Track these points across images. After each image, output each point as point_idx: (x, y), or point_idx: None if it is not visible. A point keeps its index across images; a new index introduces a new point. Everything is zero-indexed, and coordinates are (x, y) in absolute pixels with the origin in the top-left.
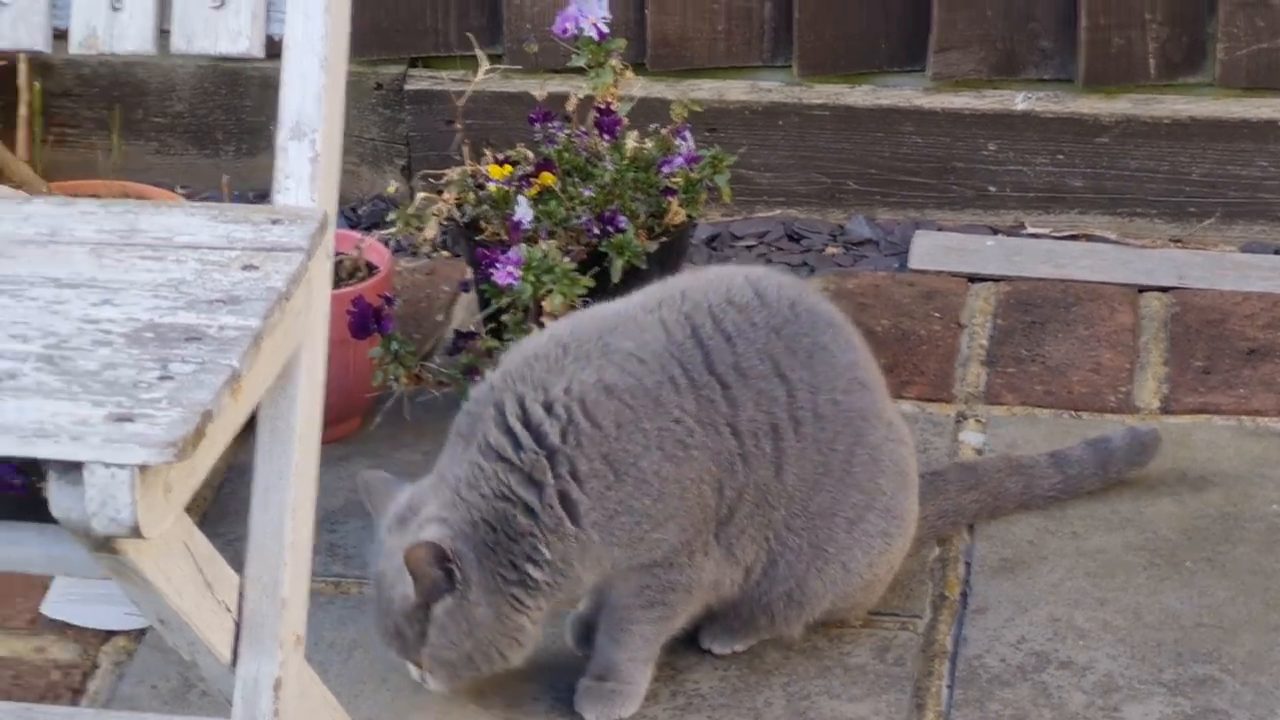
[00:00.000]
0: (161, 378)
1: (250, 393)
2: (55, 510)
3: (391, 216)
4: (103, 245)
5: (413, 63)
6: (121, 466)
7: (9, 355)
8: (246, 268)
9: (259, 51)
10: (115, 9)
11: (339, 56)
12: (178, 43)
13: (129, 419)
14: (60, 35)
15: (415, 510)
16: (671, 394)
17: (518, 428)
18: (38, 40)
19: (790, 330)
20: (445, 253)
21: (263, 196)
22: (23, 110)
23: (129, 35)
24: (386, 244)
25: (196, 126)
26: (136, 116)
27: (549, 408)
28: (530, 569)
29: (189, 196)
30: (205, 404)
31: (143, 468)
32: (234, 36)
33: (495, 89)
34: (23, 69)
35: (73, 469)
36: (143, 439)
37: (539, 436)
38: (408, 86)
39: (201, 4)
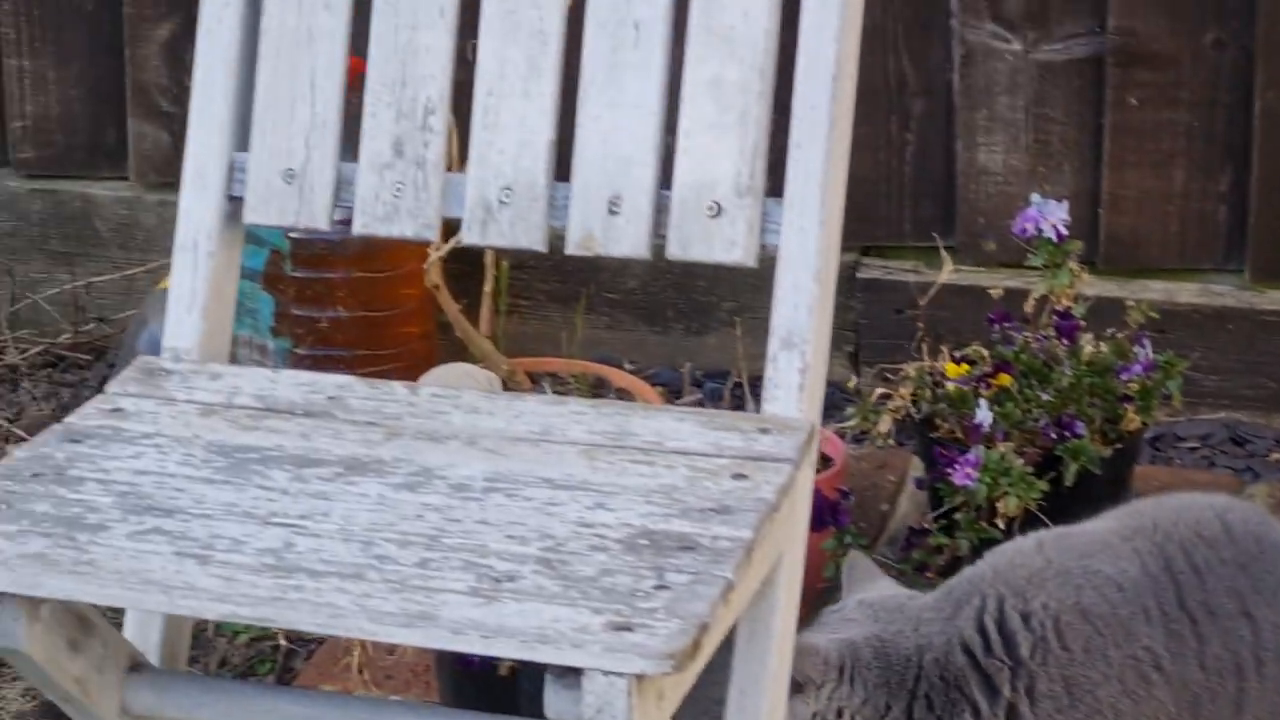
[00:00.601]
0: (658, 587)
1: (738, 602)
2: (550, 711)
3: (850, 411)
4: (594, 447)
5: (864, 251)
6: (620, 675)
7: (508, 556)
8: (736, 476)
9: (752, 262)
10: (613, 213)
11: (830, 269)
12: (673, 249)
13: (628, 628)
14: (556, 235)
15: (882, 615)
16: (1143, 625)
17: (992, 630)
18: (535, 240)
19: (1256, 567)
20: (891, 441)
21: (711, 376)
22: (487, 286)
23: (624, 239)
24: (842, 436)
25: (648, 304)
26: (589, 291)
27: (1026, 619)
28: None
29: (636, 372)
30: (702, 616)
31: (640, 677)
32: (728, 246)
33: (946, 280)
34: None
35: (571, 674)
36: (642, 649)
37: (1010, 646)
38: (859, 274)
39: (699, 212)
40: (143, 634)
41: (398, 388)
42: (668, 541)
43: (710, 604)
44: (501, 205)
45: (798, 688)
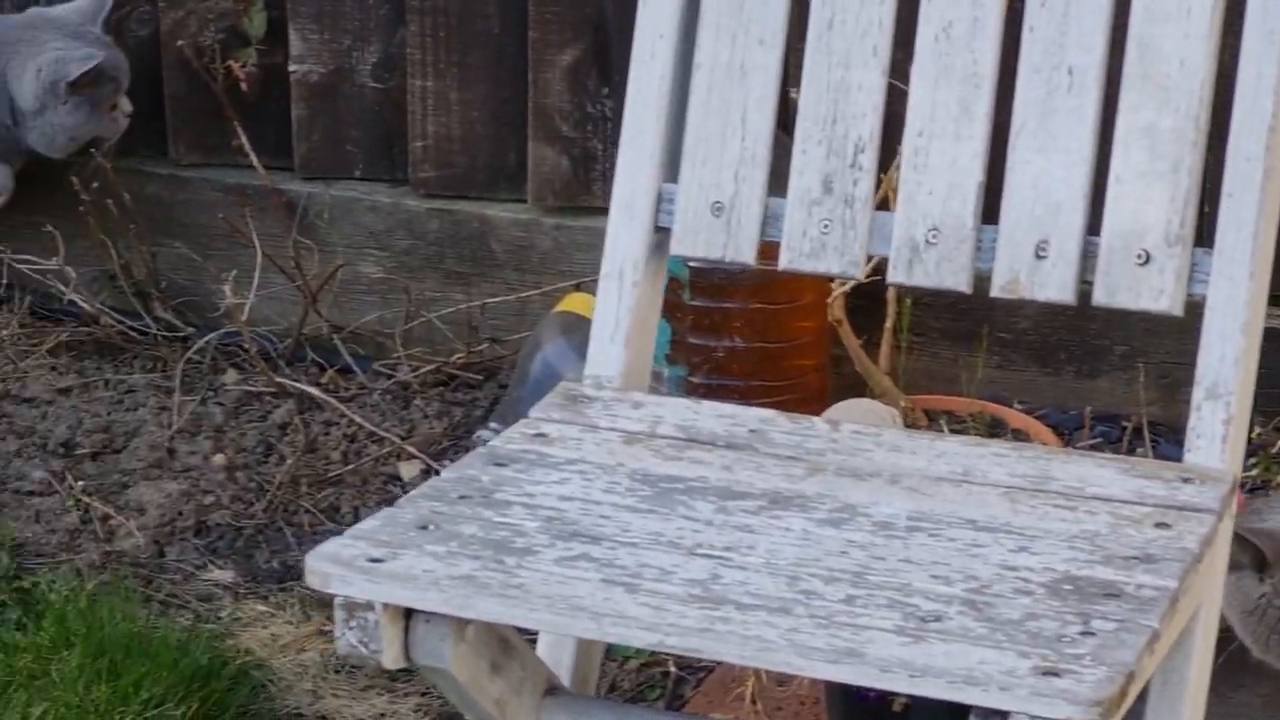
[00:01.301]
0: (1083, 633)
1: (1161, 652)
2: None
3: (1251, 461)
4: (1015, 490)
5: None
6: None
7: (934, 596)
8: (1159, 525)
9: (1179, 311)
10: (1040, 257)
11: (1257, 321)
12: (1099, 295)
13: (1055, 673)
14: (981, 277)
15: None
16: None
17: None
18: (960, 281)
19: None
20: None
21: (1100, 419)
22: (888, 322)
23: (1050, 283)
24: (1241, 486)
25: (1040, 345)
26: (980, 331)
27: None
28: None
29: (1029, 413)
30: (1129, 665)
31: None
32: (1156, 294)
33: None
34: None
35: (996, 716)
36: (1070, 695)
37: None
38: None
39: (1126, 259)
40: (554, 657)
41: (818, 423)
42: (1092, 588)
43: (1137, 653)
44: (928, 245)
45: (1237, 566)
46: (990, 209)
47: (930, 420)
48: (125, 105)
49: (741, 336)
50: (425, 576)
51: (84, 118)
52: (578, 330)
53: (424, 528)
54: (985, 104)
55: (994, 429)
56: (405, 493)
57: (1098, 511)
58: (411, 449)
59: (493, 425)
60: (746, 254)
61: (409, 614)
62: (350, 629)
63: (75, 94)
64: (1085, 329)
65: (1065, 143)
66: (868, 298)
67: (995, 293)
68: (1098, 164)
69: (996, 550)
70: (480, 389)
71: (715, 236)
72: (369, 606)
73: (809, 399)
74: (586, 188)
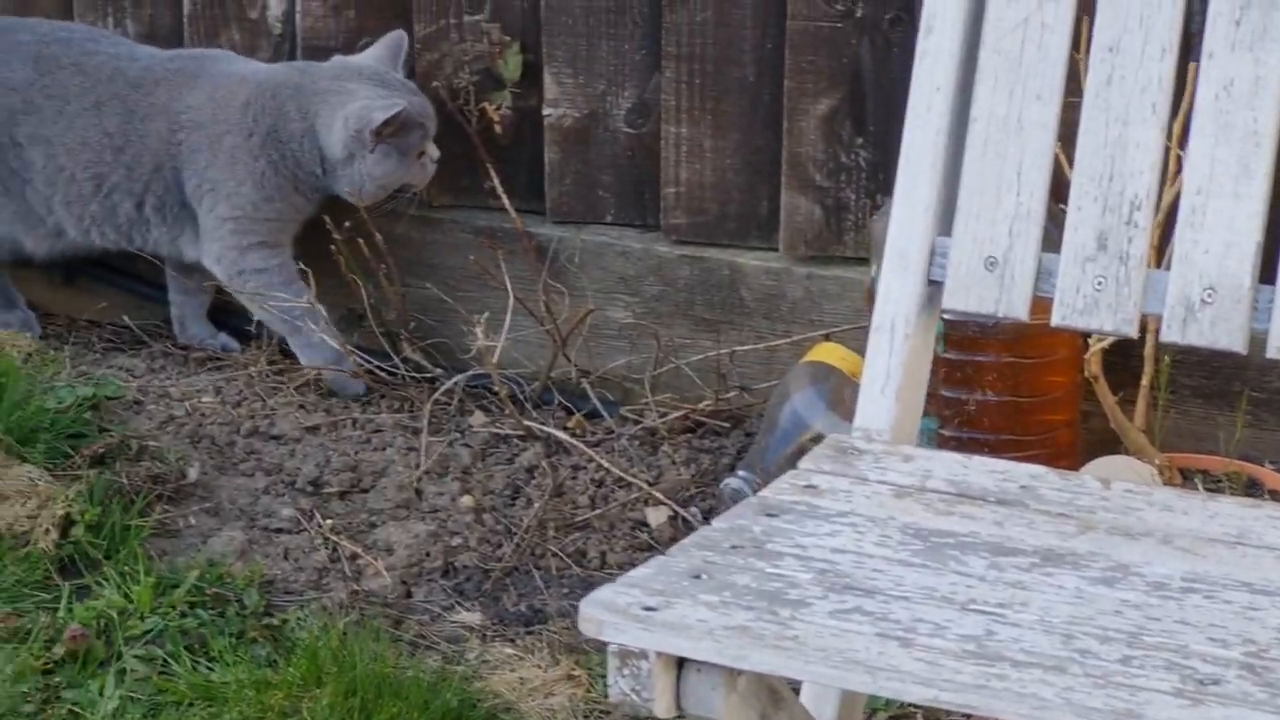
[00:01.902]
0: None
1: None
2: None
3: None
4: None
5: None
6: None
7: (1211, 659)
8: None
9: None
10: None
11: None
12: None
13: None
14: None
15: None
16: None
17: None
18: (1236, 341)
19: None
20: None
21: None
22: (1145, 379)
23: None
24: None
25: None
26: (1232, 388)
27: None
28: None
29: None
30: None
31: None
32: None
33: None
34: (1150, 339)
35: None
36: None
37: None
38: None
39: None
40: (818, 709)
41: (1089, 481)
42: None
43: None
44: (1203, 305)
45: None
46: (1265, 268)
47: (1185, 479)
48: (433, 151)
49: (993, 390)
50: (699, 626)
51: (392, 166)
52: (827, 380)
53: (697, 577)
54: (1265, 163)
55: (1250, 489)
56: (653, 539)
57: None
58: (659, 495)
59: (740, 473)
60: (1019, 309)
61: (681, 663)
62: (623, 676)
63: (381, 142)
64: None
65: None
66: (1119, 354)
67: (1271, 354)
68: None
69: (1274, 614)
70: (728, 436)
71: (988, 291)
72: (642, 655)
73: (1059, 454)
74: (839, 237)
